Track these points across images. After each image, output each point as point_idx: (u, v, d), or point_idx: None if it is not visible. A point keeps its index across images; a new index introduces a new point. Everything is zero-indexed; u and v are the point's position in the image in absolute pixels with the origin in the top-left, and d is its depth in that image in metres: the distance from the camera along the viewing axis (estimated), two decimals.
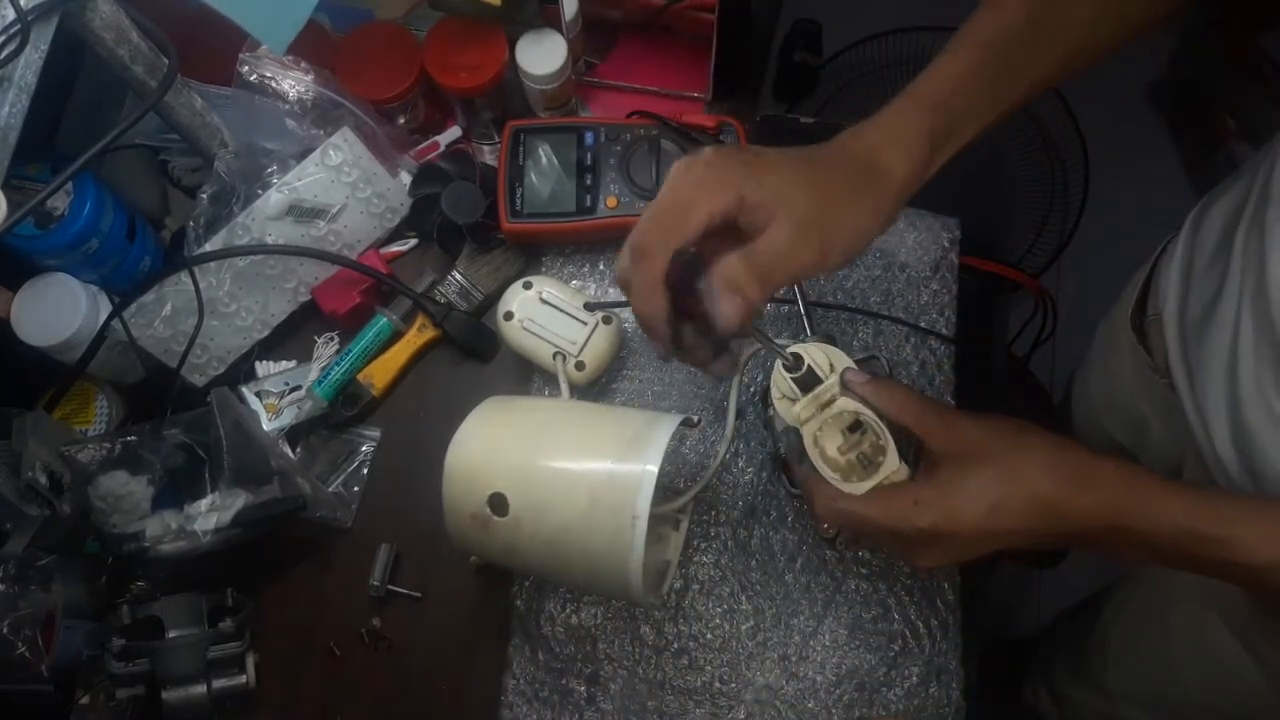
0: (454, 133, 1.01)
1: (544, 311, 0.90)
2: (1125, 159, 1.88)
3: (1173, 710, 1.00)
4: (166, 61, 0.81)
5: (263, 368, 0.96)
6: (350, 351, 0.95)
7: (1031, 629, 1.47)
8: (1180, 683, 0.95)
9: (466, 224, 0.94)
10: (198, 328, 0.90)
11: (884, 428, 0.67)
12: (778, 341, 0.70)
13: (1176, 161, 1.99)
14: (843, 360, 0.71)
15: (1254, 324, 0.69)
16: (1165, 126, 2.02)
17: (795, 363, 0.69)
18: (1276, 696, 0.81)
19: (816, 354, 0.70)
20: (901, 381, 0.73)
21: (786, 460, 0.79)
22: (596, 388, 0.94)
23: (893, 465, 0.66)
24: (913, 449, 0.69)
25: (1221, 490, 0.73)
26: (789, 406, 0.71)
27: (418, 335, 0.96)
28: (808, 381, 0.69)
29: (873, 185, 0.62)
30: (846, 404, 0.68)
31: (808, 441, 0.68)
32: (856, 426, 0.67)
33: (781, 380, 0.70)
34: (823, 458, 0.68)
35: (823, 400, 0.69)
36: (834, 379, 0.69)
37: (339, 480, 0.94)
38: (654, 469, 0.72)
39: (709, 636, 0.88)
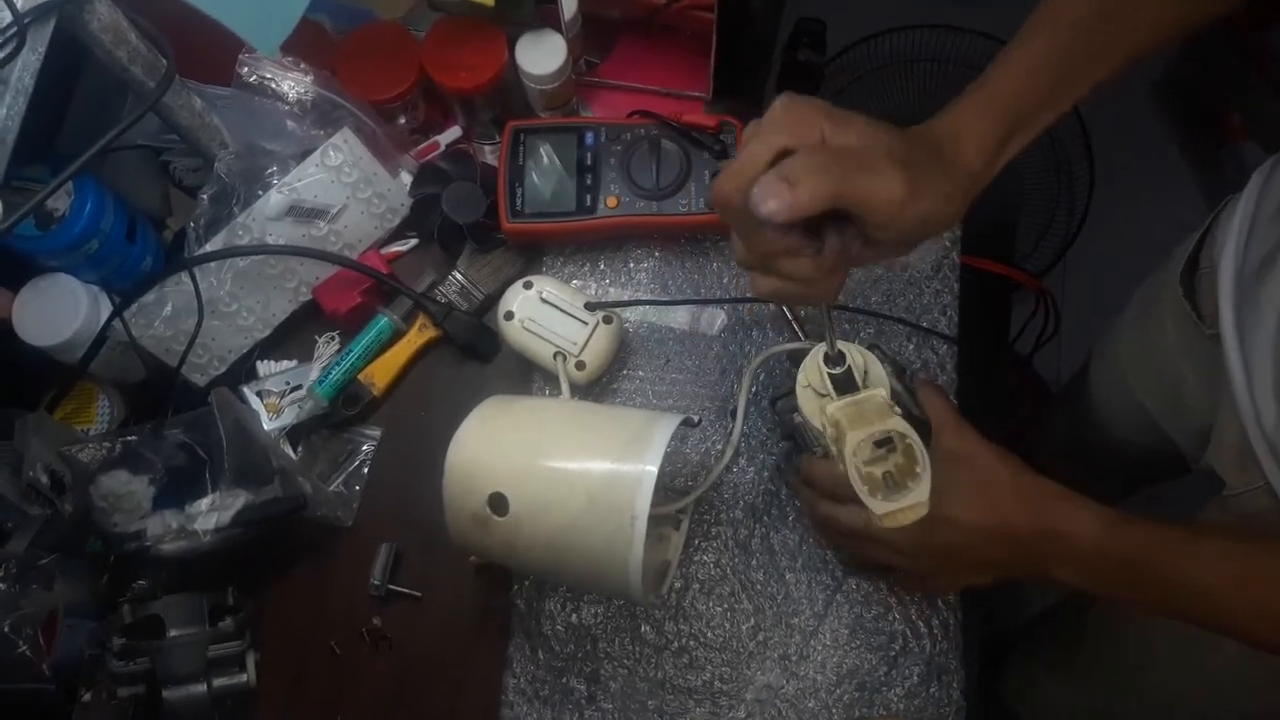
0: (454, 132, 1.01)
1: (544, 311, 0.90)
2: (1131, 158, 1.87)
3: (1144, 694, 1.01)
4: (165, 62, 0.81)
5: (264, 367, 0.96)
6: (351, 351, 0.95)
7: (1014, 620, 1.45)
8: (1154, 659, 0.96)
9: (467, 224, 0.94)
10: (198, 328, 0.90)
11: (926, 456, 0.64)
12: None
13: (1182, 160, 1.98)
14: (877, 369, 0.70)
15: None
16: (1171, 125, 2.01)
17: (838, 357, 0.68)
18: (1248, 665, 0.82)
19: (855, 356, 0.69)
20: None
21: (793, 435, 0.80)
22: (597, 387, 0.94)
23: (922, 496, 0.63)
24: None
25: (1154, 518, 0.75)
26: (812, 398, 0.69)
27: (418, 335, 0.96)
28: (843, 382, 0.68)
29: (947, 169, 0.60)
30: (899, 424, 0.64)
31: (849, 449, 0.64)
32: (884, 443, 0.65)
33: (814, 371, 0.69)
34: (857, 470, 0.64)
35: (864, 410, 0.66)
36: (881, 391, 0.67)
37: (340, 480, 0.94)
38: (653, 469, 0.72)
39: (709, 635, 0.88)
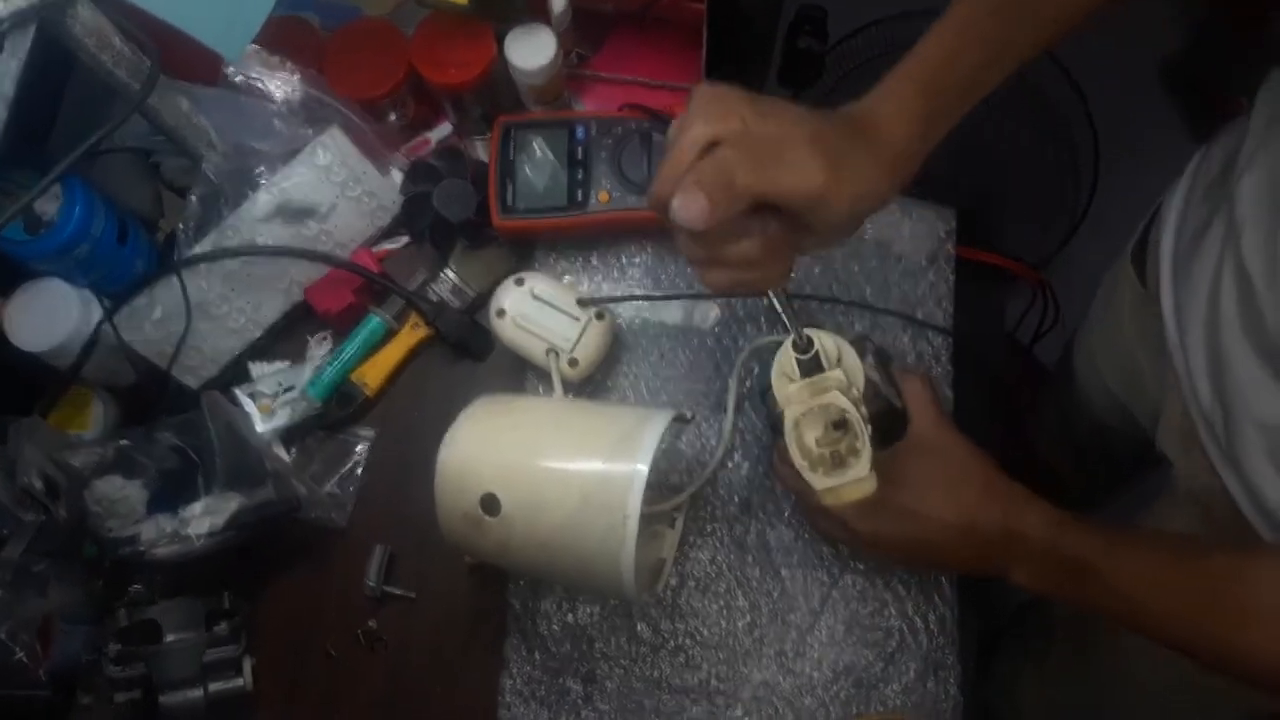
0: (445, 129, 1.00)
1: (536, 308, 0.90)
2: (1135, 144, 1.85)
3: (1116, 690, 1.00)
4: (149, 64, 0.80)
5: (256, 369, 0.96)
6: (343, 352, 0.94)
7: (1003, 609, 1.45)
8: (1123, 655, 0.96)
9: (458, 221, 0.93)
10: (186, 330, 0.90)
11: (866, 434, 0.66)
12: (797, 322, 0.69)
13: (1189, 148, 1.95)
14: (851, 357, 0.70)
15: (1233, 251, 0.70)
16: (1176, 110, 1.99)
17: (806, 344, 0.68)
18: None
19: (828, 342, 0.69)
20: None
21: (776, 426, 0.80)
22: (591, 384, 0.93)
23: (861, 473, 0.65)
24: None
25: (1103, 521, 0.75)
26: (785, 385, 0.70)
27: (410, 334, 0.96)
28: (811, 366, 0.68)
29: (871, 148, 0.60)
30: (837, 399, 0.66)
31: (788, 423, 0.67)
32: (841, 425, 0.66)
33: (787, 358, 0.69)
34: (798, 443, 0.67)
35: (818, 389, 0.68)
36: (837, 372, 0.68)
37: (333, 481, 0.93)
38: (644, 467, 0.71)
39: (705, 634, 0.88)
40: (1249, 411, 0.70)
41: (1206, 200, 0.79)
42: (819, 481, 0.65)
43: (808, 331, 0.68)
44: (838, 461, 0.65)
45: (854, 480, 0.65)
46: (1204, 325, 0.75)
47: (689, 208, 0.54)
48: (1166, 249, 0.84)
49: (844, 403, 0.66)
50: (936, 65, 0.63)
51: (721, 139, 0.56)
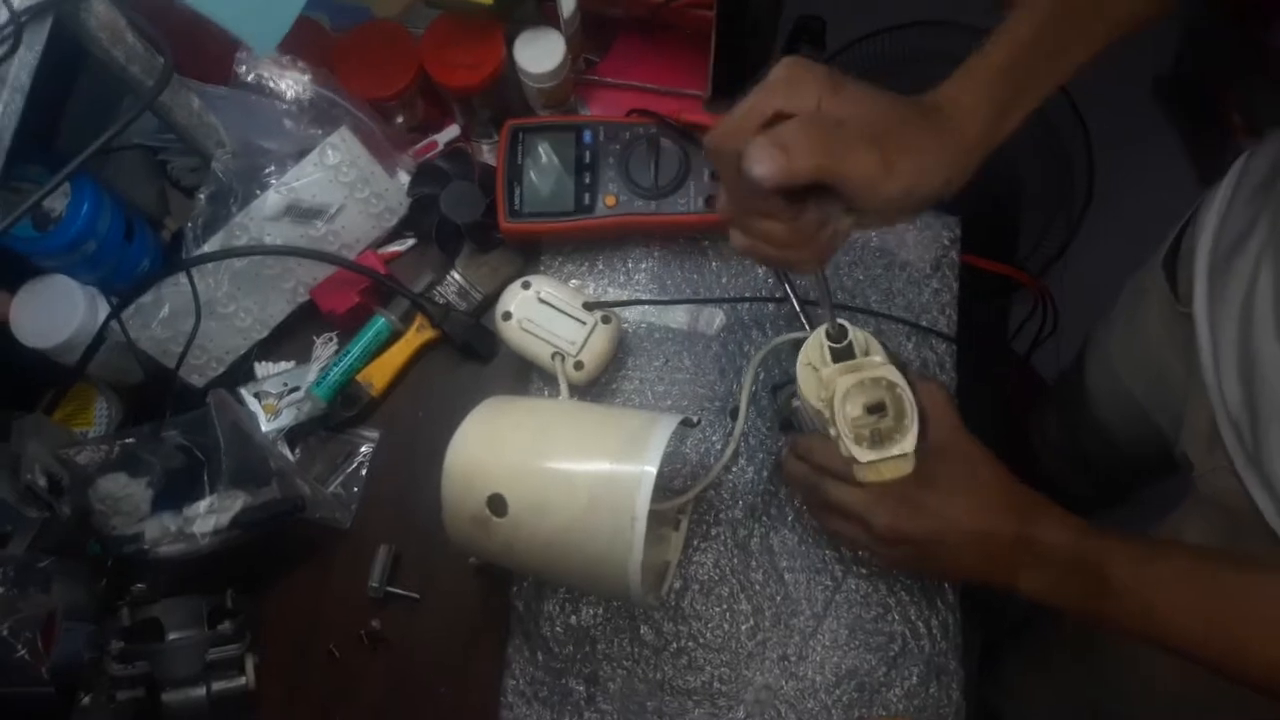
0: (452, 131, 1.01)
1: (543, 311, 0.90)
2: (1132, 156, 1.86)
3: (1121, 692, 1.01)
4: (162, 61, 0.80)
5: (262, 368, 0.96)
6: (349, 352, 0.94)
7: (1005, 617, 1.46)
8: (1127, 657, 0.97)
9: (465, 224, 0.94)
10: (194, 329, 0.90)
11: (915, 410, 0.65)
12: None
13: (1184, 160, 1.98)
14: (879, 351, 0.71)
15: (1272, 254, 0.71)
16: (1173, 123, 2.00)
17: (839, 332, 0.68)
18: None
19: (858, 335, 0.70)
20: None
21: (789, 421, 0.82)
22: (597, 387, 0.94)
23: (907, 448, 0.64)
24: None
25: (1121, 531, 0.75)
26: (811, 376, 0.70)
27: (416, 335, 0.96)
28: (844, 355, 0.68)
29: (942, 134, 0.61)
30: (891, 373, 0.66)
31: (839, 393, 0.66)
32: (877, 408, 0.66)
33: (815, 348, 0.70)
34: (844, 417, 0.66)
35: (862, 369, 0.67)
36: (878, 358, 0.69)
37: (338, 481, 0.94)
38: (652, 470, 0.71)
39: (708, 636, 0.88)
40: (1278, 414, 0.71)
41: (1250, 205, 0.80)
42: (863, 455, 0.64)
43: (839, 322, 0.69)
44: (878, 439, 0.64)
45: (898, 456, 0.64)
46: (1237, 328, 0.75)
47: (767, 159, 0.55)
48: (1203, 254, 0.84)
49: (895, 375, 0.65)
50: (1008, 62, 0.63)
51: (794, 114, 0.57)
